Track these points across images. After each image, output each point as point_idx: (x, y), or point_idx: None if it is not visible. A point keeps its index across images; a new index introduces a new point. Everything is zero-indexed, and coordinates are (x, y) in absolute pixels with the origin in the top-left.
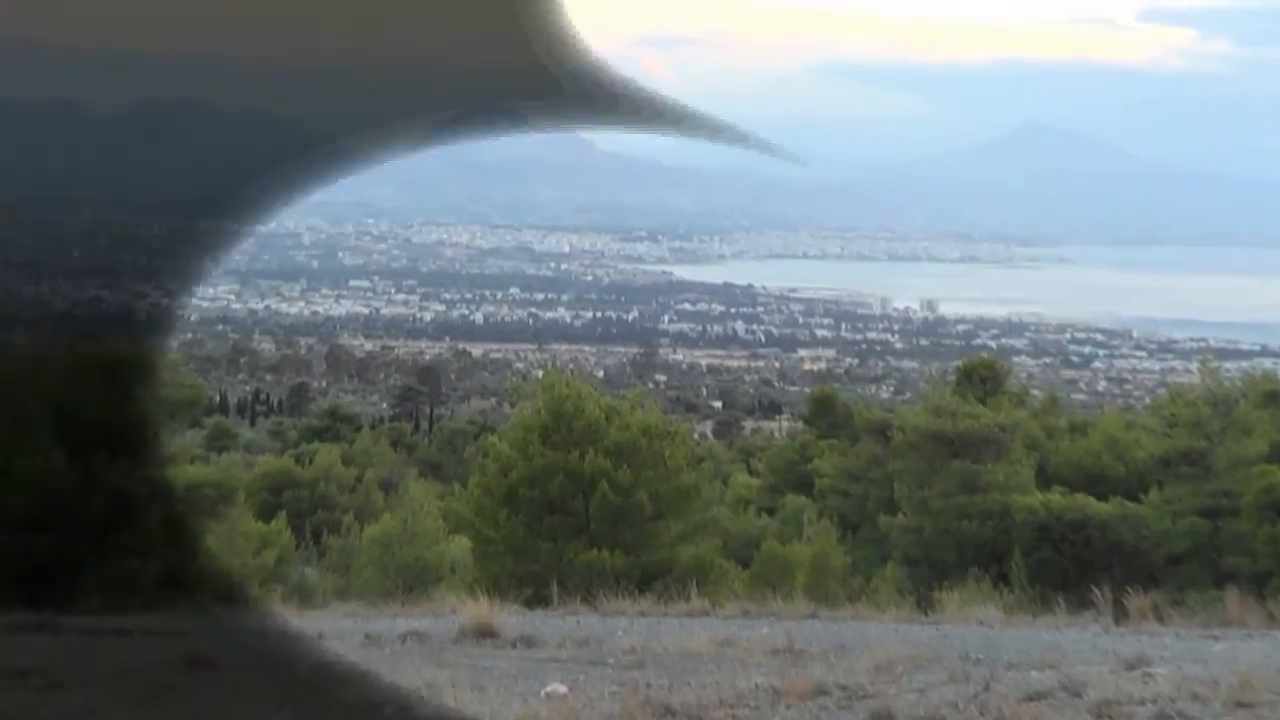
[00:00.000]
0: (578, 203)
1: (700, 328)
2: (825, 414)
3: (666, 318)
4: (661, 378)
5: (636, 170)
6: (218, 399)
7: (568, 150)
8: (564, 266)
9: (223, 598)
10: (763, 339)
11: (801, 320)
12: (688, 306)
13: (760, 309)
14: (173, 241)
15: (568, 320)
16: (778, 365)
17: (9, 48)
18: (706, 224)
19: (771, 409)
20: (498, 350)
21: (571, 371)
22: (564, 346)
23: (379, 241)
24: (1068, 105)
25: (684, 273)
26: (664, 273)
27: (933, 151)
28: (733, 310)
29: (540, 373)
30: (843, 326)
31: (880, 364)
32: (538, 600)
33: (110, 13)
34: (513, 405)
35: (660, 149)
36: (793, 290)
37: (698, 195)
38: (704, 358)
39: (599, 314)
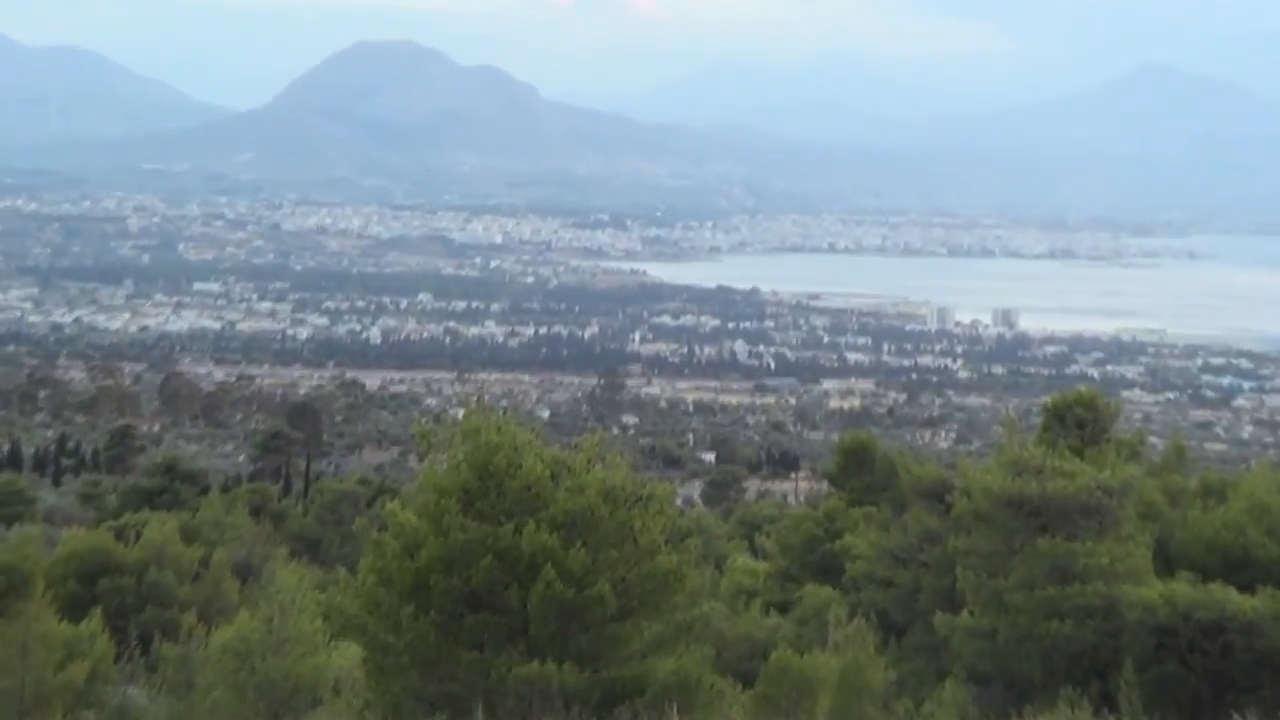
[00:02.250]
0: (513, 173)
1: (685, 349)
2: (859, 471)
3: (638, 335)
4: (631, 419)
5: (595, 125)
6: (4, 448)
7: (498, 96)
8: (494, 263)
9: None
10: (772, 365)
11: (827, 339)
12: (668, 320)
13: (769, 323)
14: None
15: (499, 338)
16: (793, 402)
17: None
18: (694, 203)
19: (785, 464)
20: (401, 380)
21: (505, 411)
22: (494, 375)
23: (235, 228)
24: (1195, 39)
25: (662, 272)
26: (635, 272)
27: (1012, 104)
28: (730, 325)
29: (460, 412)
30: (884, 348)
31: (937, 401)
32: None
33: None
34: (421, 458)
35: (628, 95)
36: (814, 297)
37: (681, 161)
38: (690, 391)
39: (543, 330)
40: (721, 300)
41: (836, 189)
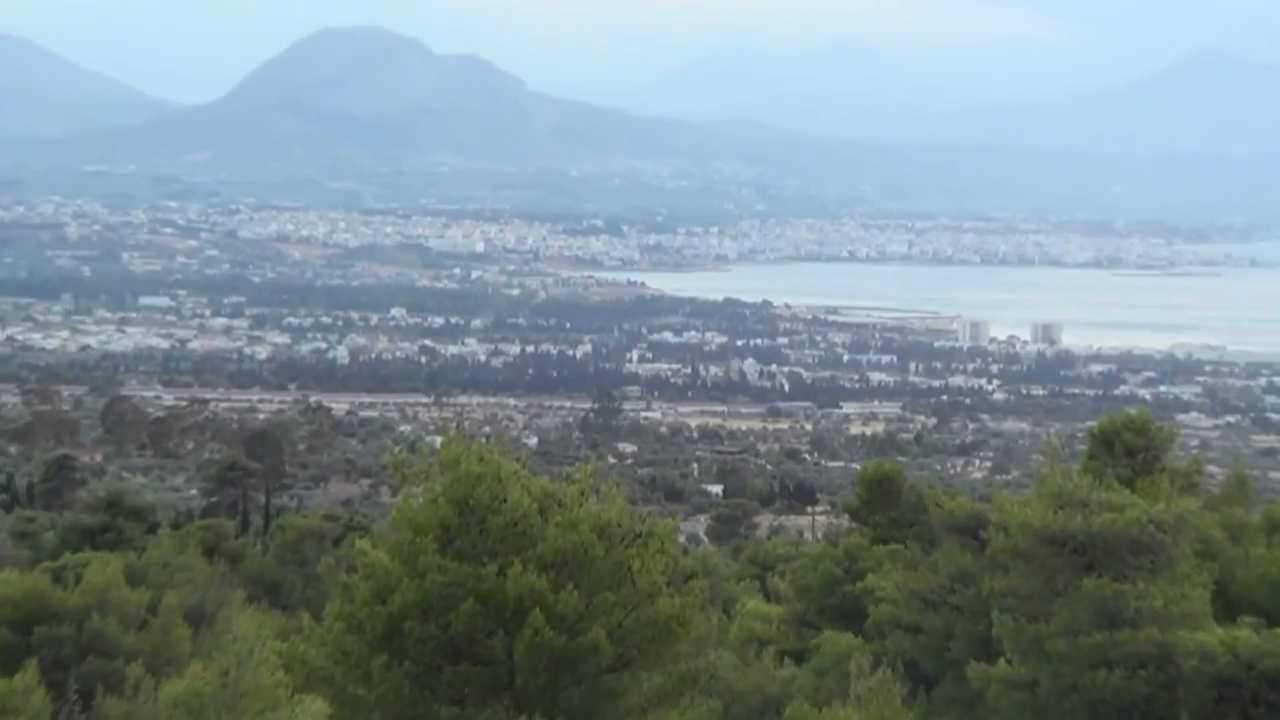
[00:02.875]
0: (497, 174)
1: (688, 369)
2: (884, 504)
3: (637, 354)
4: (629, 447)
5: (588, 121)
6: None
7: (481, 88)
8: (476, 274)
9: None
10: (786, 387)
11: (847, 358)
12: (669, 337)
13: (783, 340)
14: None
15: (481, 358)
16: (809, 428)
17: None
18: (698, 207)
19: (800, 496)
20: (371, 405)
21: (487, 438)
22: (476, 399)
23: (186, 236)
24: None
25: (663, 283)
26: (632, 283)
27: (1052, 95)
28: (739, 342)
29: (438, 440)
30: (911, 367)
31: (970, 426)
32: None
33: None
34: (394, 491)
35: (625, 87)
36: (832, 311)
37: (684, 160)
38: (695, 415)
39: (530, 348)
40: (729, 314)
41: (857, 190)
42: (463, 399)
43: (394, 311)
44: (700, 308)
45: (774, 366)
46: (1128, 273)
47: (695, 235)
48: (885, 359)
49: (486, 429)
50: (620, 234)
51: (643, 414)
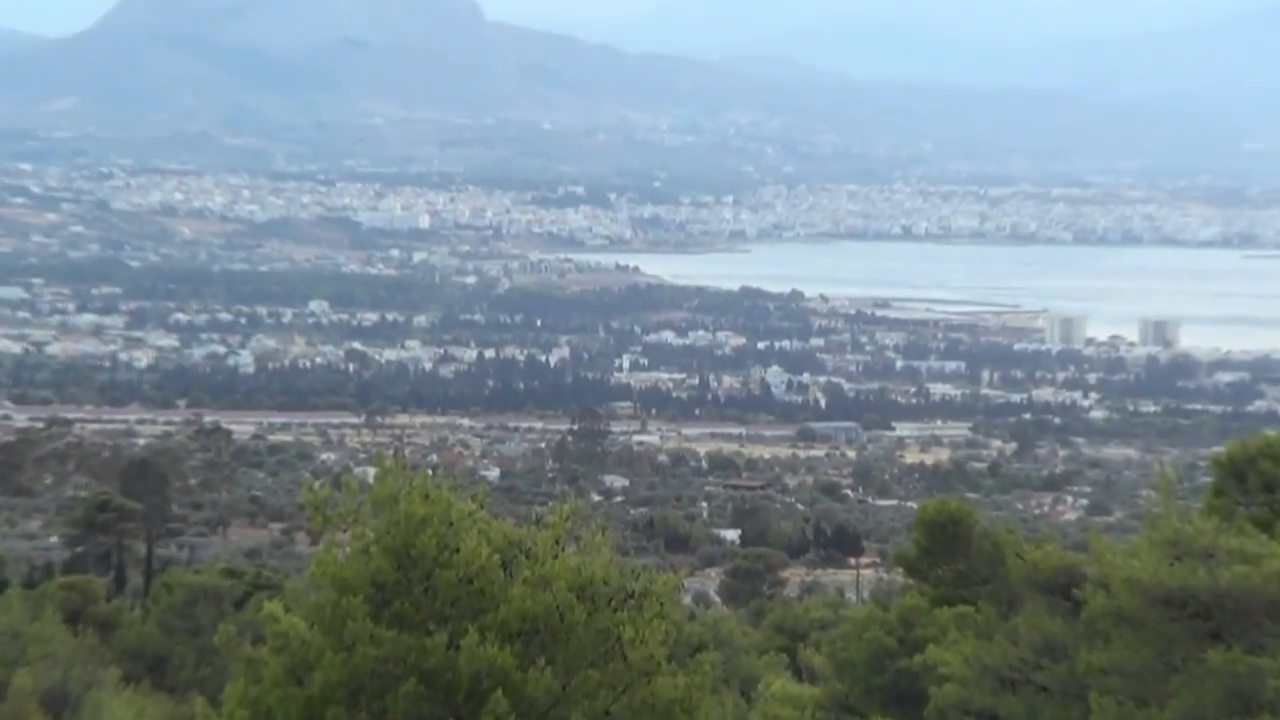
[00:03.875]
0: (446, 127)
1: (695, 379)
2: (949, 555)
3: (628, 359)
4: (618, 481)
5: (565, 58)
6: None
7: (425, 17)
8: (420, 257)
9: None
10: (822, 402)
11: (901, 365)
12: (670, 338)
13: (817, 342)
14: None
15: (426, 365)
16: (852, 455)
17: None
18: (707, 169)
19: (840, 544)
20: (284, 426)
21: (436, 470)
22: (420, 418)
23: (44, 207)
24: None
25: (662, 268)
26: (623, 268)
27: (1166, 26)
28: (761, 345)
29: (371, 472)
30: (985, 377)
31: (1061, 452)
32: None
33: None
34: (315, 539)
35: (612, 16)
36: (882, 304)
37: (690, 110)
38: (703, 439)
39: (490, 353)
40: (748, 309)
41: (913, 148)
42: (403, 418)
43: (314, 305)
44: (710, 300)
45: (806, 376)
46: (1264, 253)
47: (704, 206)
48: (950, 366)
49: (433, 458)
50: (607, 205)
51: (636, 437)
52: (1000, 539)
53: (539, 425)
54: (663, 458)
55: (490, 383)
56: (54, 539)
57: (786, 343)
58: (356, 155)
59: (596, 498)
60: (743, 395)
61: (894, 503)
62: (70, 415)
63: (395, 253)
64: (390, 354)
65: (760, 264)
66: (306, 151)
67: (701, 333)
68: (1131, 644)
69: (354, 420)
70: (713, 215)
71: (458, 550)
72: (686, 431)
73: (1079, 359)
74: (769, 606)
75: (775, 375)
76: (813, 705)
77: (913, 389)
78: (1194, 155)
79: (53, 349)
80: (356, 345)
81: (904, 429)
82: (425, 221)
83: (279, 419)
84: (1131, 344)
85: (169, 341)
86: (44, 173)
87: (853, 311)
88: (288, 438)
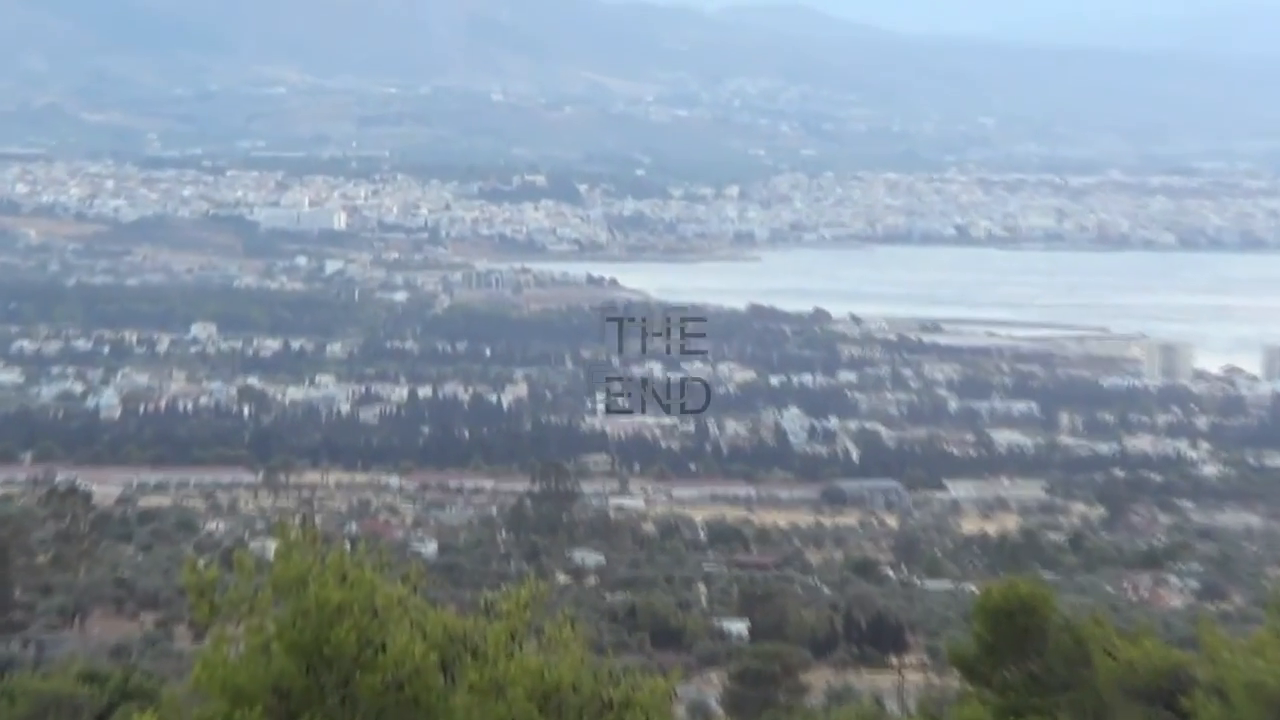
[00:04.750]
0: (369, 97)
1: (690, 425)
2: (1019, 653)
3: (602, 400)
4: (591, 558)
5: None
6: None
7: None
8: (334, 267)
9: None
10: (854, 454)
11: (956, 405)
12: (656, 370)
13: (848, 377)
14: None
15: (343, 408)
16: (892, 524)
17: None
18: (706, 153)
19: (878, 639)
20: (160, 486)
21: (355, 543)
22: (335, 476)
23: None
24: None
25: (647, 280)
26: (597, 281)
27: None
28: (775, 380)
29: (272, 546)
30: (1064, 421)
31: (1164, 519)
32: None
33: None
34: (200, 633)
35: None
36: (931, 327)
37: (684, 76)
38: (700, 503)
39: (425, 390)
40: (758, 333)
41: (972, 125)
42: (313, 476)
43: (197, 330)
44: (710, 322)
45: (833, 420)
46: None
47: (701, 201)
48: (1019, 407)
49: (352, 527)
50: (576, 199)
51: (615, 500)
52: (1085, 632)
53: (488, 485)
54: (649, 527)
55: (425, 430)
56: None
57: (808, 377)
58: (252, 135)
59: (563, 579)
60: (752, 445)
61: (947, 585)
62: None
63: (302, 261)
64: (296, 393)
65: (773, 275)
66: (188, 131)
67: (699, 364)
68: None
69: (249, 479)
70: (712, 212)
71: (384, 648)
72: (679, 493)
73: (1185, 398)
74: (786, 718)
75: (793, 419)
76: None
77: (971, 437)
78: None
79: None
80: (253, 382)
81: (960, 489)
82: (341, 221)
83: (152, 477)
84: (1253, 378)
85: (9, 377)
86: None
87: (893, 337)
88: (164, 501)
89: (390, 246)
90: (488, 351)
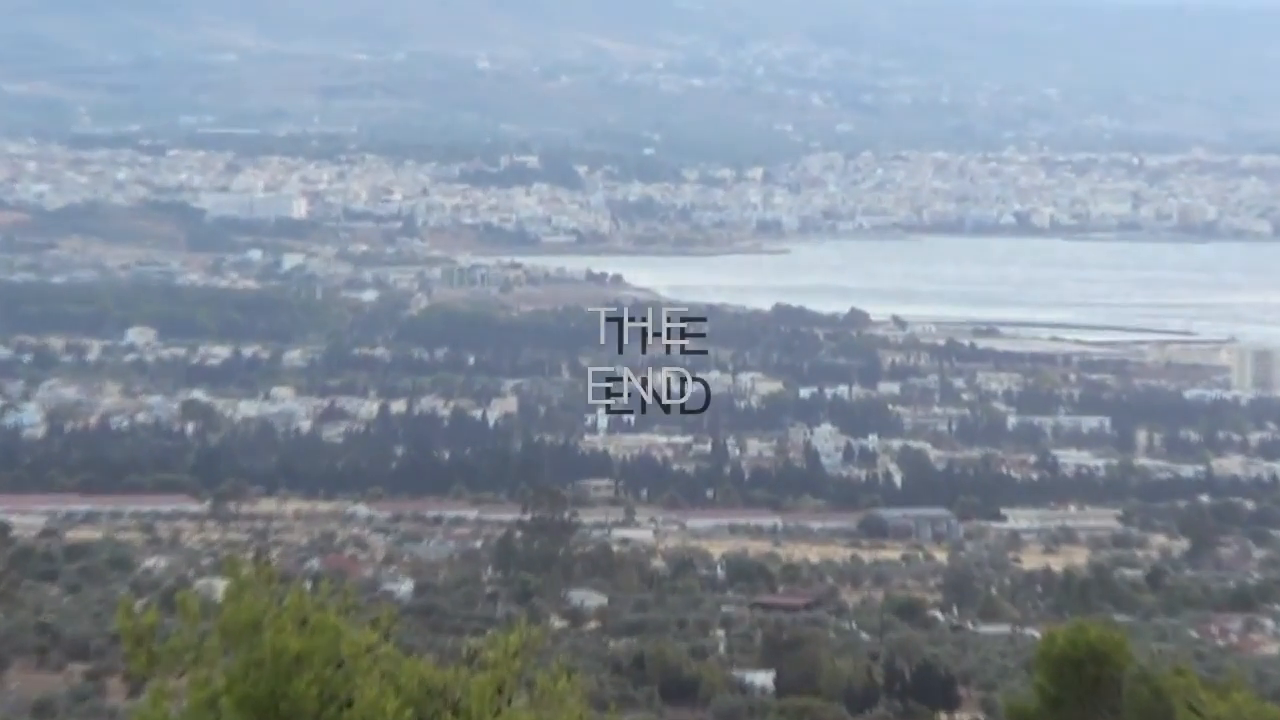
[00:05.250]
0: (333, 63)
1: (706, 445)
2: (1086, 705)
3: (605, 416)
4: (592, 599)
5: None
6: None
7: None
8: (293, 260)
9: None
10: (896, 478)
11: (1015, 421)
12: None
13: (890, 389)
14: None
15: (303, 425)
16: (941, 559)
17: None
18: (724, 130)
19: (925, 691)
20: (89, 517)
21: (317, 581)
22: (294, 504)
23: None
24: None
25: (655, 276)
26: (598, 276)
27: None
28: (805, 392)
29: (220, 585)
30: (1140, 440)
31: (1258, 553)
32: None
33: None
34: (137, 686)
35: None
36: (987, 331)
37: (698, 39)
38: (718, 535)
39: (400, 405)
40: (785, 338)
41: (1034, 95)
42: (268, 505)
43: (134, 335)
44: (730, 325)
45: (873, 439)
46: None
47: (718, 185)
48: (1089, 424)
49: (314, 564)
50: (574, 183)
51: (619, 532)
52: (1165, 684)
53: (472, 514)
54: (658, 563)
55: (399, 451)
56: None
57: (843, 389)
58: (199, 109)
59: (560, 623)
60: (778, 468)
61: (1005, 629)
62: None
63: (256, 255)
64: (249, 408)
65: (804, 271)
66: (124, 103)
67: (716, 373)
68: None
69: (194, 508)
70: (732, 198)
71: (349, 703)
72: (694, 524)
73: None
74: None
75: (826, 438)
76: None
77: (1033, 458)
78: None
79: None
80: (198, 395)
81: (1020, 518)
82: (301, 208)
83: (81, 506)
84: None
85: None
86: None
87: (942, 342)
88: (95, 534)
89: (358, 238)
90: (471, 360)
